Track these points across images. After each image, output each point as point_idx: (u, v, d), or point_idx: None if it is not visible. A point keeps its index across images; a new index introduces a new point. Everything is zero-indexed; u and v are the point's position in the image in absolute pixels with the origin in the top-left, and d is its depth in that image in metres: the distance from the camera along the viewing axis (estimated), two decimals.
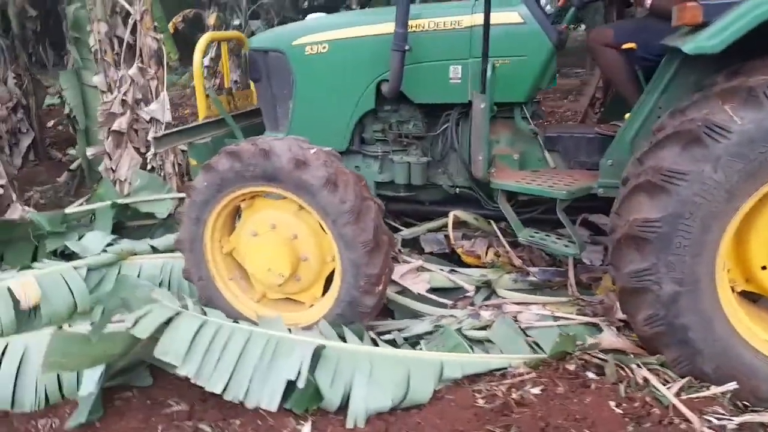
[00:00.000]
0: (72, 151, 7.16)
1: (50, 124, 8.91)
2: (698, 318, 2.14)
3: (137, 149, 4.36)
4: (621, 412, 1.92)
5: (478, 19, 2.99)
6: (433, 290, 3.03)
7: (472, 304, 2.87)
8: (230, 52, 6.48)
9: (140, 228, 4.20)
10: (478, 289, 2.97)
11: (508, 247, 3.25)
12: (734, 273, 2.26)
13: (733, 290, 2.25)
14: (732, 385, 2.08)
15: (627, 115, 2.85)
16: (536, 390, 2.10)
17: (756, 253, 2.18)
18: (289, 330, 2.52)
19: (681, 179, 2.05)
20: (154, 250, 3.58)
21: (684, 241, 2.09)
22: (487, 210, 3.39)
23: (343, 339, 2.52)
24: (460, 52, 3.10)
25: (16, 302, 3.03)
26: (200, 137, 3.70)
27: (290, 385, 2.24)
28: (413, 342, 2.66)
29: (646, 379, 2.10)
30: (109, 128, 4.32)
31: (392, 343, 2.67)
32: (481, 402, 2.14)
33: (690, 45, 2.13)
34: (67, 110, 5.73)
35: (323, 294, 2.85)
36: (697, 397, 2.03)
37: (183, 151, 4.18)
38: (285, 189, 2.67)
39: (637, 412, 1.93)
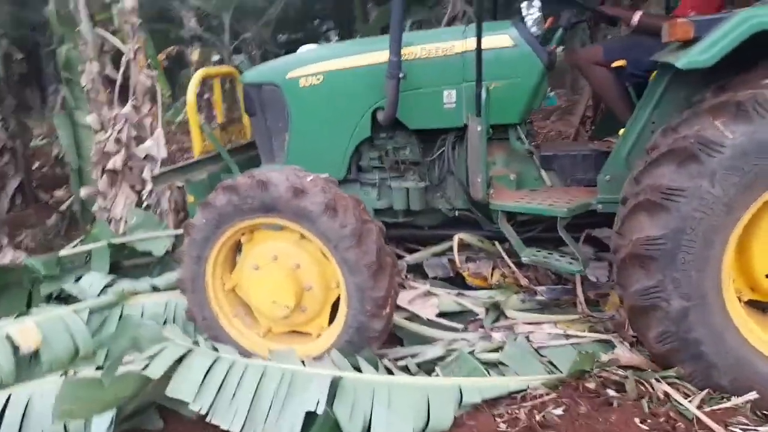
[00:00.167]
0: (59, 193, 7.11)
1: (35, 166, 8.83)
2: (709, 331, 2.16)
3: (132, 187, 4.33)
4: (647, 428, 1.92)
5: (470, 44, 3.05)
6: (440, 315, 3.01)
7: (482, 327, 2.86)
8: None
9: (137, 267, 4.15)
10: (487, 311, 2.96)
11: (513, 267, 3.26)
12: (739, 283, 2.29)
13: (739, 300, 2.27)
14: (752, 395, 2.09)
15: (621, 131, 2.91)
16: (559, 411, 2.09)
17: (759, 261, 2.22)
18: (303, 363, 2.48)
19: (679, 196, 2.09)
20: (155, 289, 3.52)
21: (688, 257, 2.12)
22: (487, 231, 3.41)
23: (358, 369, 2.49)
24: (454, 77, 3.15)
25: (15, 350, 2.95)
26: (197, 173, 3.69)
27: (308, 421, 2.20)
28: (428, 368, 2.63)
29: (667, 394, 2.10)
30: (103, 167, 4.29)
31: (405, 369, 2.64)
32: (503, 426, 2.12)
33: (683, 60, 2.18)
34: (55, 152, 5.69)
35: (329, 323, 2.82)
36: (719, 409, 2.04)
37: (179, 187, 4.15)
38: (285, 218, 2.67)
39: (662, 427, 1.93)
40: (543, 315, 2.88)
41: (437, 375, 2.48)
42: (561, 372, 2.37)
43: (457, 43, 3.13)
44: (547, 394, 2.22)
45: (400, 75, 3.04)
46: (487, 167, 3.07)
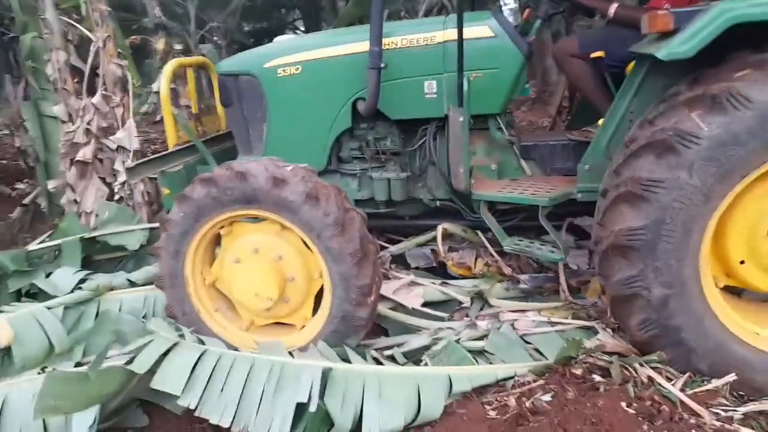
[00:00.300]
0: (21, 186, 6.86)
1: None
2: (689, 318, 2.23)
3: (103, 179, 4.21)
4: (633, 412, 1.97)
5: (450, 34, 3.05)
6: (425, 304, 3.03)
7: (467, 316, 2.89)
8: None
9: (109, 261, 4.05)
10: (472, 300, 2.99)
11: (496, 256, 3.30)
12: (715, 269, 2.36)
13: (716, 286, 2.35)
14: (731, 377, 2.17)
15: (600, 121, 2.96)
16: (547, 397, 2.12)
17: (734, 248, 2.29)
18: (291, 354, 2.47)
19: (659, 187, 2.14)
20: (132, 283, 3.45)
21: (668, 246, 2.17)
22: (468, 221, 3.44)
23: (345, 359, 2.49)
24: (434, 67, 3.15)
25: None
26: (173, 165, 3.62)
27: (298, 413, 2.19)
28: (414, 358, 2.65)
29: (650, 378, 2.16)
30: (72, 159, 4.15)
31: (392, 359, 2.65)
32: (492, 414, 2.15)
33: (664, 51, 2.22)
34: (18, 143, 5.48)
35: (314, 314, 2.81)
36: (700, 392, 2.12)
37: (151, 179, 4.06)
38: (265, 209, 2.63)
39: (648, 410, 1.98)
40: (527, 303, 2.93)
41: (426, 364, 2.49)
42: (547, 359, 2.41)
43: (437, 33, 3.13)
44: (535, 381, 2.26)
45: (382, 65, 3.03)
46: (468, 157, 3.10)
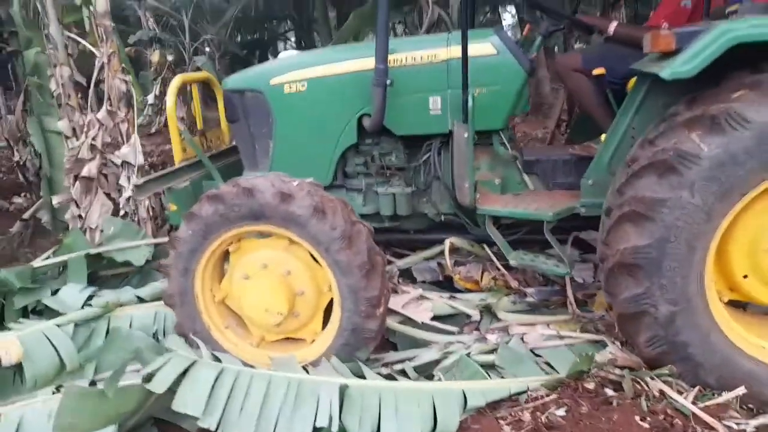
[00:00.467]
0: (19, 200, 6.83)
1: None
2: (695, 334, 2.28)
3: (107, 194, 4.22)
4: (648, 426, 2.01)
5: (454, 51, 3.11)
6: (434, 318, 3.07)
7: (477, 329, 2.93)
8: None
9: (114, 277, 4.06)
10: (481, 313, 3.03)
11: (503, 270, 3.34)
12: (719, 284, 2.42)
13: (720, 301, 2.41)
14: (741, 390, 2.22)
15: (602, 136, 3.03)
16: (561, 411, 2.16)
17: (736, 264, 2.35)
18: (306, 370, 2.49)
19: (662, 206, 2.19)
20: (141, 299, 3.45)
21: (673, 264, 2.23)
22: (473, 235, 3.49)
23: (359, 375, 2.51)
24: (439, 84, 3.20)
25: None
26: (180, 181, 3.64)
27: (315, 429, 2.21)
28: (426, 373, 2.68)
29: (662, 392, 2.21)
30: (76, 174, 4.16)
31: (402, 374, 2.68)
32: (507, 429, 2.18)
33: (667, 71, 2.28)
34: (17, 157, 5.47)
35: (323, 327, 2.83)
36: (711, 405, 2.16)
37: (156, 194, 4.07)
38: (273, 224, 2.66)
39: (662, 424, 2.02)
40: (535, 316, 2.97)
41: (439, 379, 2.52)
42: (558, 372, 2.45)
43: (441, 50, 3.19)
44: (548, 395, 2.30)
45: (387, 82, 3.08)
46: (473, 172, 3.15)
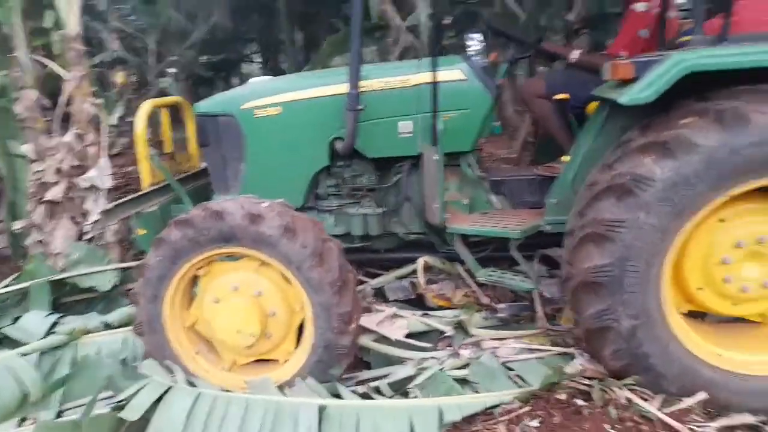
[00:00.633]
0: None
1: None
2: (656, 345, 2.40)
3: (72, 219, 4.13)
4: None
5: (424, 77, 3.22)
6: (407, 336, 3.10)
7: (450, 345, 2.98)
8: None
9: (78, 303, 3.97)
10: (455, 329, 3.09)
11: (474, 287, 3.43)
12: (677, 297, 2.56)
13: (679, 313, 2.53)
14: (702, 395, 2.33)
15: (564, 157, 3.16)
16: (535, 423, 2.23)
17: (691, 277, 2.49)
18: (283, 392, 2.49)
19: (621, 227, 2.32)
20: (108, 326, 3.39)
21: (633, 280, 2.35)
22: (442, 253, 3.57)
23: (336, 395, 2.53)
24: (409, 108, 3.30)
25: None
26: (148, 205, 3.61)
27: None
28: (401, 390, 2.70)
29: (629, 399, 2.30)
30: (40, 199, 4.07)
31: (377, 391, 2.70)
32: None
33: (626, 97, 2.43)
34: None
35: (296, 347, 2.84)
36: (675, 410, 2.27)
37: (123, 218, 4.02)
38: (244, 246, 2.68)
39: (630, 430, 2.11)
40: (506, 331, 3.05)
41: (415, 396, 2.56)
42: (530, 385, 2.52)
43: (412, 76, 3.29)
44: (521, 407, 2.36)
45: (359, 107, 3.16)
46: (443, 193, 3.23)
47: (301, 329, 2.82)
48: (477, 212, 3.44)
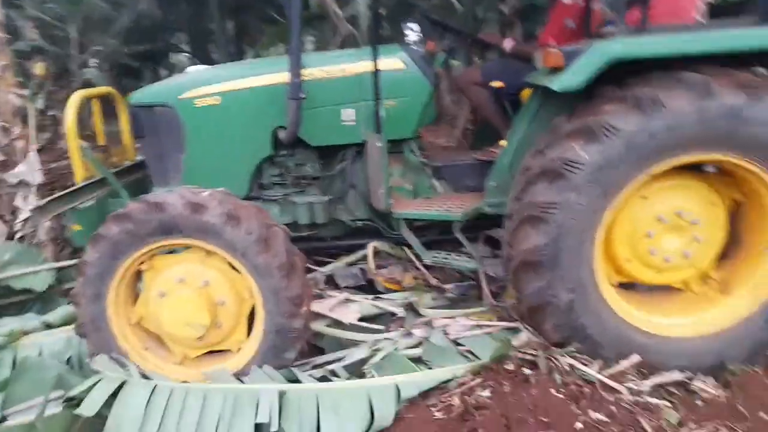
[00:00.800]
0: None
1: None
2: (591, 316, 2.59)
3: (1, 217, 3.92)
4: (563, 396, 2.26)
5: (365, 66, 3.27)
6: (360, 319, 3.17)
7: (402, 326, 3.07)
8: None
9: (13, 305, 3.79)
10: (406, 311, 3.18)
11: (423, 270, 3.53)
12: (608, 269, 2.76)
13: (611, 284, 2.74)
14: (635, 357, 2.55)
15: (502, 142, 3.31)
16: (487, 392, 2.36)
17: (620, 250, 2.71)
18: (241, 381, 2.50)
19: (554, 208, 2.49)
20: (48, 326, 3.26)
21: (568, 257, 2.53)
22: (388, 238, 3.65)
23: (294, 381, 2.56)
24: (351, 96, 3.34)
25: None
26: (83, 200, 3.48)
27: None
28: (356, 372, 2.77)
29: (571, 366, 2.48)
30: None
31: (333, 374, 2.76)
32: (439, 414, 2.34)
33: (558, 84, 2.58)
34: None
35: (248, 335, 2.84)
36: (613, 372, 2.48)
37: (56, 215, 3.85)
38: (187, 237, 2.67)
39: (575, 393, 2.29)
40: (455, 310, 3.17)
41: (372, 375, 2.63)
42: (480, 358, 2.64)
43: (353, 65, 3.33)
44: (473, 380, 2.48)
45: (301, 96, 3.17)
46: (387, 179, 3.30)
47: (251, 318, 2.82)
48: (420, 197, 3.54)
